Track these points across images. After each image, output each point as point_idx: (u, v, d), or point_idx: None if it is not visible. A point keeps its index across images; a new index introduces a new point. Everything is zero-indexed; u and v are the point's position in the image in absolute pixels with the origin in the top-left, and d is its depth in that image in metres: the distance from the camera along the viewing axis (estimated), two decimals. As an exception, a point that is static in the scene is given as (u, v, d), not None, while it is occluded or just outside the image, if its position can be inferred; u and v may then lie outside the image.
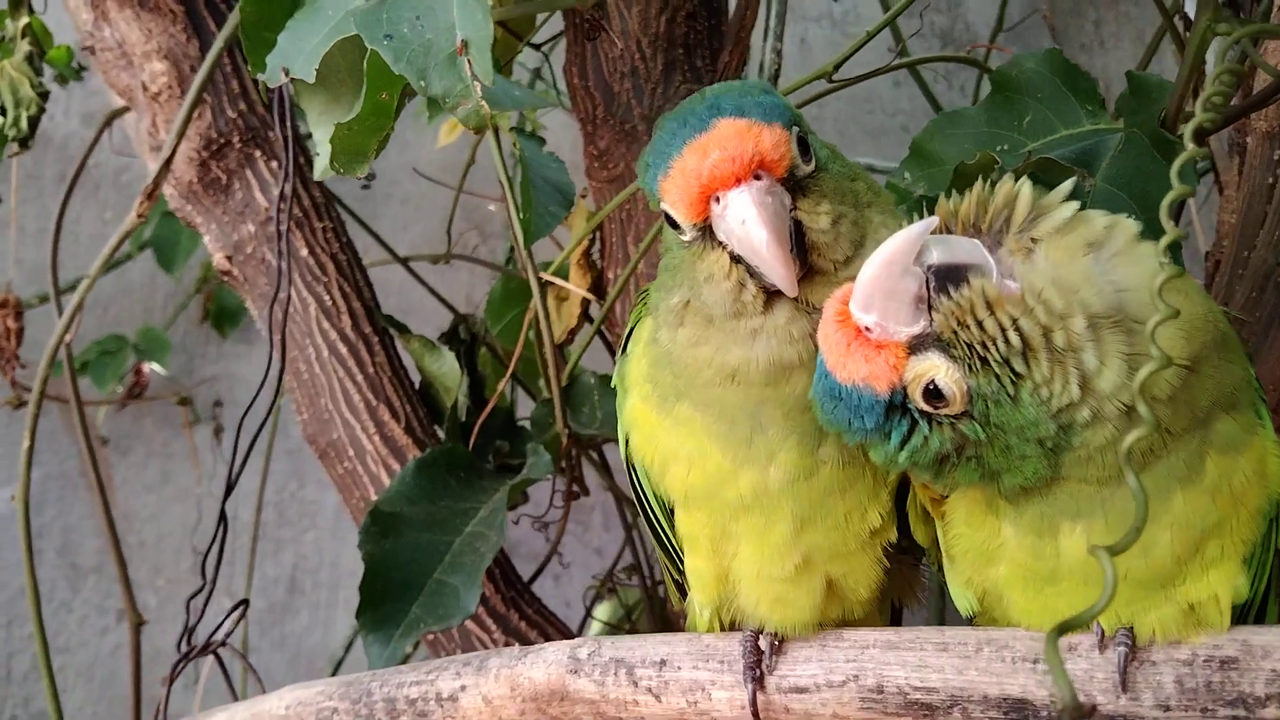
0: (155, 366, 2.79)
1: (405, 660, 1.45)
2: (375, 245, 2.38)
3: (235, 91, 1.67)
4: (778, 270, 0.85)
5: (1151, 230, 1.11)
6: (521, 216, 1.45)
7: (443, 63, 0.77)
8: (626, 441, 1.05)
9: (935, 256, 0.77)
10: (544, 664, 1.00)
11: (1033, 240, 0.79)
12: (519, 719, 1.00)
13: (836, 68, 1.43)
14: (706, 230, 0.88)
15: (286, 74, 1.02)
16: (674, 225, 0.90)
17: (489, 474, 1.63)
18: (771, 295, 0.89)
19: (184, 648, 1.32)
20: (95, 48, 1.68)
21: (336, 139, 0.95)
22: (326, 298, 1.68)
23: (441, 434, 1.76)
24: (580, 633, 1.79)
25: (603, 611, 2.09)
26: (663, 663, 0.97)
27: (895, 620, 1.13)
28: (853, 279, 0.80)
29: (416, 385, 1.80)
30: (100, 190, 2.90)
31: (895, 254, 0.77)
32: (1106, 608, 0.68)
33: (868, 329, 0.78)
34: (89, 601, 2.73)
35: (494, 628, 1.68)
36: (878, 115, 3.43)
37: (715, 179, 0.84)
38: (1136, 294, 0.77)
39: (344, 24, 0.96)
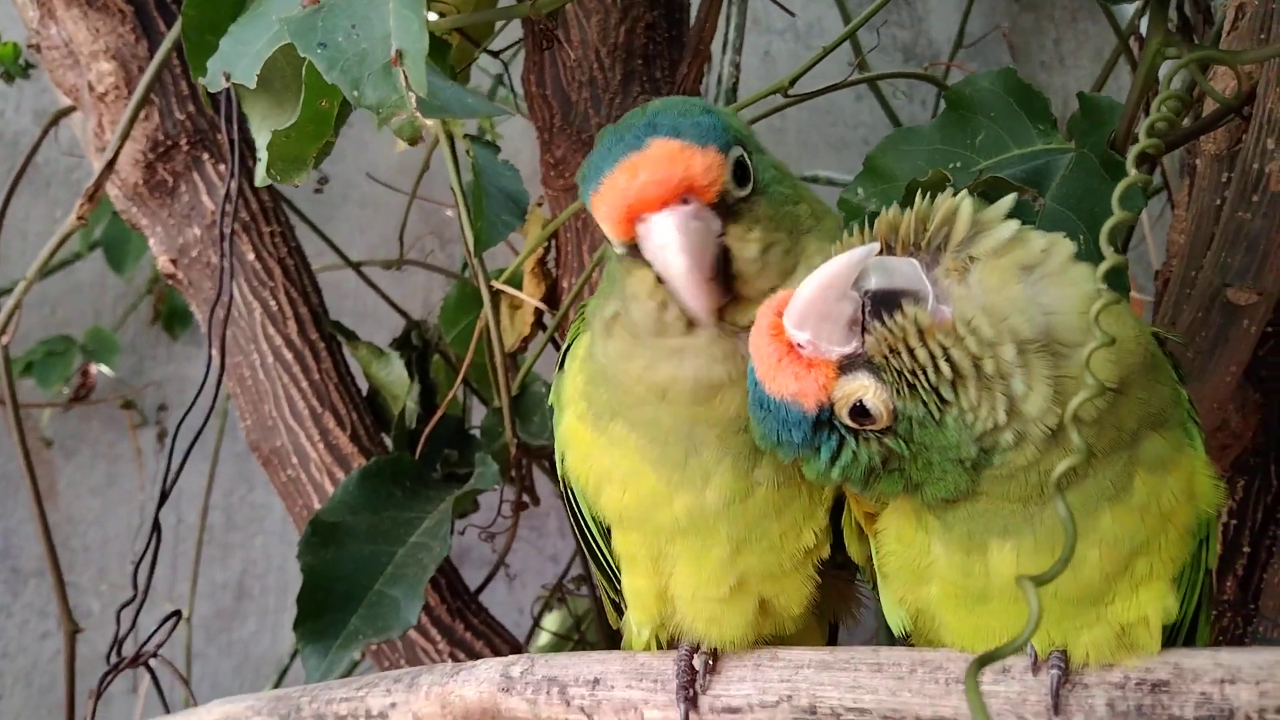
0: (103, 368, 2.74)
1: (350, 671, 1.43)
2: (331, 249, 2.35)
3: (184, 93, 1.64)
4: (692, 299, 0.84)
5: (1098, 250, 1.12)
6: (473, 224, 1.44)
7: (377, 73, 0.75)
8: (562, 460, 1.03)
9: (873, 282, 0.78)
10: (476, 682, 0.99)
11: (970, 259, 0.79)
12: (450, 738, 0.99)
13: (793, 82, 1.44)
14: (634, 247, 0.87)
15: (227, 79, 1.00)
16: (609, 238, 0.90)
17: (436, 483, 1.61)
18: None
19: (115, 658, 1.29)
20: (41, 46, 1.65)
21: (274, 146, 0.93)
22: (272, 303, 1.66)
23: (389, 442, 1.74)
24: (528, 643, 1.77)
25: (551, 621, 2.07)
26: (596, 681, 0.96)
27: (832, 637, 1.13)
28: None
29: (364, 393, 1.78)
30: (51, 188, 2.86)
31: (834, 278, 0.77)
32: (1035, 632, 0.67)
33: (800, 345, 0.77)
34: (30, 606, 2.68)
35: (439, 638, 1.66)
36: (840, 128, 3.45)
37: (641, 200, 0.83)
38: (1065, 317, 0.77)
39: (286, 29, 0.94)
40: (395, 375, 1.72)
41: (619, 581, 1.04)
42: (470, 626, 1.69)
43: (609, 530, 1.02)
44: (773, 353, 0.79)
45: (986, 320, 0.76)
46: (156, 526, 1.32)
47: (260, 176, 1.01)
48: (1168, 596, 0.84)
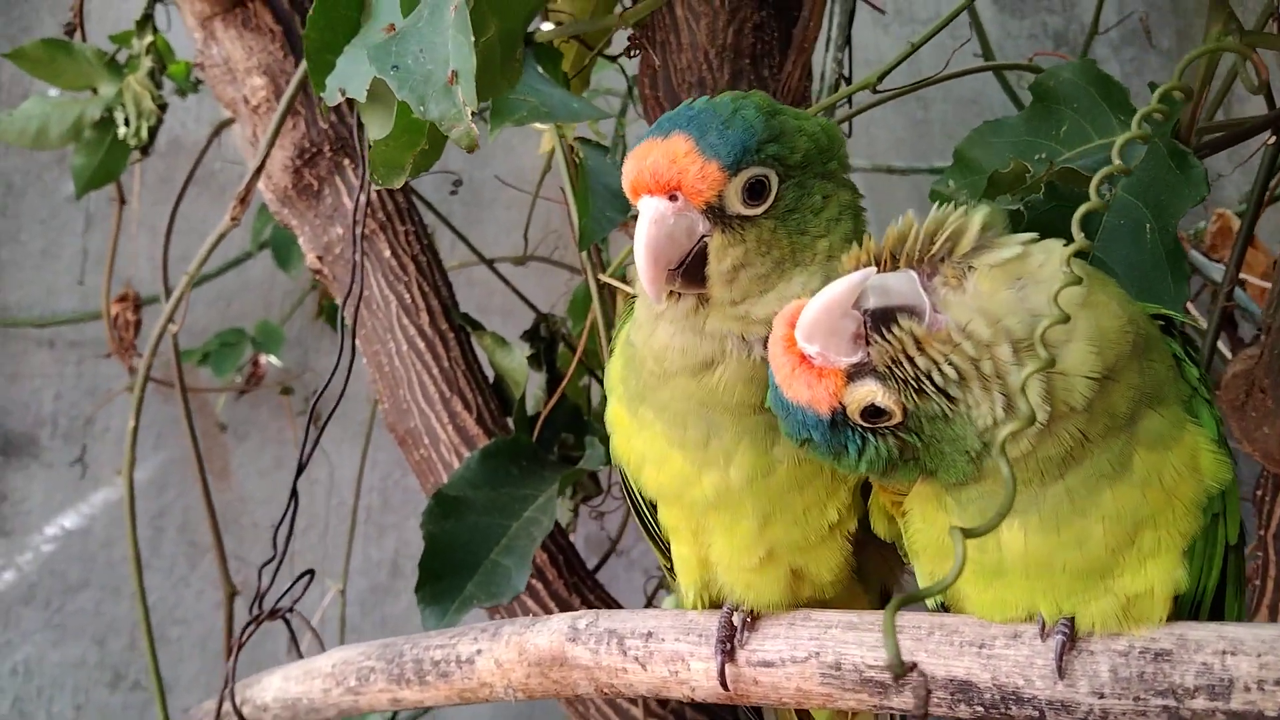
0: (271, 358, 2.97)
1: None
2: (467, 246, 2.49)
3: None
4: (644, 280, 0.92)
5: (1162, 241, 1.14)
6: (579, 220, 1.53)
7: (439, 90, 0.85)
8: (610, 441, 1.11)
9: (872, 302, 0.84)
10: (548, 632, 1.09)
11: (969, 268, 0.84)
12: (525, 681, 1.09)
13: (881, 78, 1.47)
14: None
15: (343, 94, 1.12)
16: None
17: (550, 464, 1.72)
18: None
19: (256, 611, 1.44)
20: (205, 64, 1.84)
21: (375, 154, 1.04)
22: (407, 295, 1.80)
23: (512, 425, 1.86)
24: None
25: (669, 603, 2.16)
26: (649, 634, 1.04)
27: (884, 601, 1.17)
28: (743, 317, 0.92)
29: (490, 379, 1.91)
30: (225, 192, 3.10)
31: (834, 301, 0.84)
32: (956, 580, 0.74)
33: (811, 356, 0.85)
34: (205, 577, 2.92)
35: (556, 611, 1.77)
36: (985, 116, 3.38)
37: (640, 181, 0.92)
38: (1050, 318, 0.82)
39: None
40: (517, 363, 1.84)
41: (669, 550, 1.12)
42: (586, 602, 1.79)
43: (654, 505, 1.09)
44: (787, 362, 0.86)
45: (983, 322, 0.82)
46: (294, 495, 1.46)
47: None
48: (1176, 569, 0.87)
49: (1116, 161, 0.83)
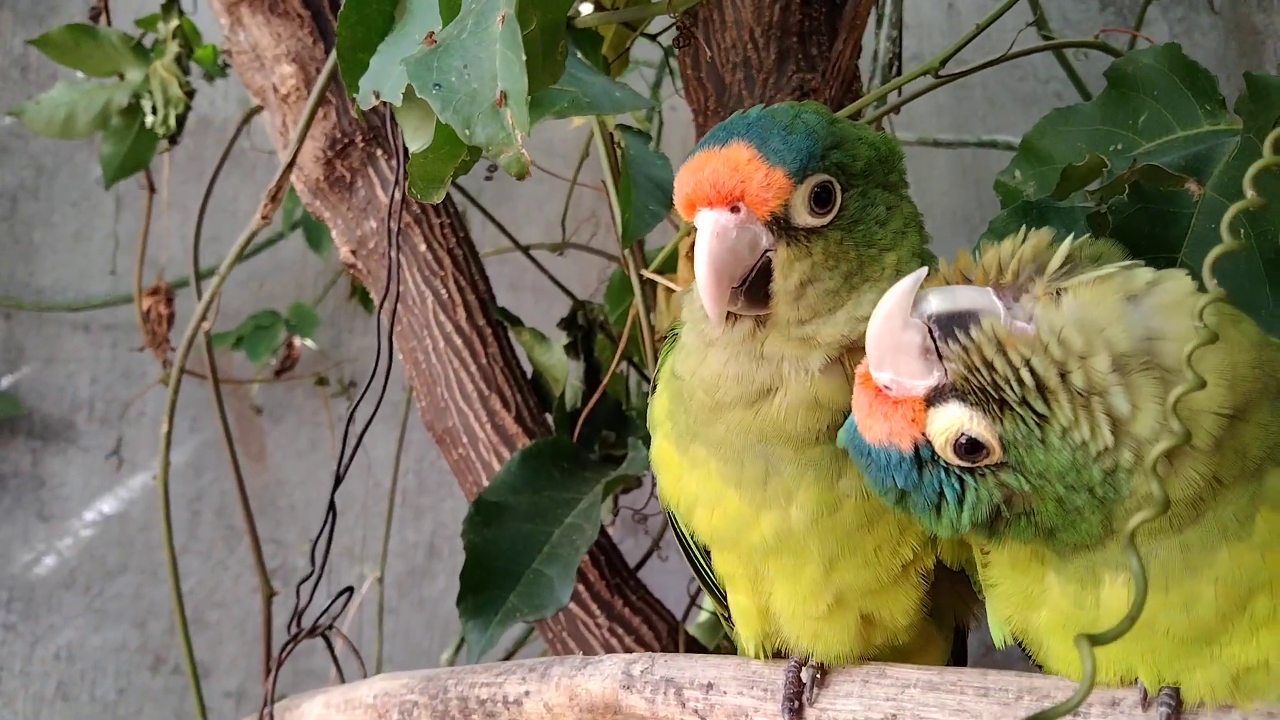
0: (306, 341, 2.93)
1: (523, 641, 1.49)
2: (502, 232, 2.43)
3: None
4: (706, 298, 0.86)
5: (1258, 243, 1.05)
6: (622, 213, 1.47)
7: (486, 112, 0.79)
8: (658, 482, 1.05)
9: (934, 306, 0.77)
10: (600, 677, 1.03)
11: (1060, 290, 0.76)
12: (576, 728, 1.04)
13: (943, 63, 1.39)
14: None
15: (377, 96, 1.06)
16: None
17: (592, 465, 1.67)
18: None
19: (295, 628, 1.41)
20: (232, 51, 1.78)
21: (414, 167, 0.98)
22: (443, 291, 1.75)
23: (552, 422, 1.80)
24: (684, 619, 1.81)
25: (710, 601, 2.11)
26: (710, 686, 0.99)
27: (960, 639, 1.11)
28: (807, 338, 0.84)
29: (529, 375, 1.85)
30: (256, 170, 3.06)
31: (891, 309, 0.76)
32: (1086, 697, 0.63)
33: (886, 387, 0.77)
34: (243, 561, 2.91)
35: (598, 613, 1.72)
36: (1030, 83, 3.30)
37: (698, 193, 0.86)
38: (1173, 344, 0.74)
39: (427, 51, 0.99)
40: (556, 359, 1.78)
41: (726, 598, 1.06)
42: (629, 603, 1.75)
43: (708, 551, 1.03)
44: (864, 400, 0.79)
45: (1077, 330, 0.74)
46: (332, 507, 1.42)
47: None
48: None
49: (1250, 194, 0.74)
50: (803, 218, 0.87)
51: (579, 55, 1.46)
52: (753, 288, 0.89)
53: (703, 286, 0.87)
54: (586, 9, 1.62)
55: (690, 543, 1.06)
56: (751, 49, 1.72)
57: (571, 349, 2.00)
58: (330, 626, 1.43)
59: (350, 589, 1.46)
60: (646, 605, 1.76)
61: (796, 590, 0.96)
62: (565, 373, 1.76)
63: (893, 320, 0.76)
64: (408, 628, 2.93)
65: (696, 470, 0.97)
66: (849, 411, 0.83)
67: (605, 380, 1.75)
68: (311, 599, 1.42)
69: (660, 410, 1.02)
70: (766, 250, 0.87)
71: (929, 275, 0.82)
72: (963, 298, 0.77)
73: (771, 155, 0.85)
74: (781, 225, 0.87)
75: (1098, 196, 1.15)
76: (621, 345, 1.69)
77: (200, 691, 1.79)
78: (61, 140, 2.85)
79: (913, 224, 0.94)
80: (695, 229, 0.88)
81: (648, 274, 1.51)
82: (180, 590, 1.67)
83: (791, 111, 0.89)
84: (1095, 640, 0.60)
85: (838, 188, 0.88)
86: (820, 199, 0.87)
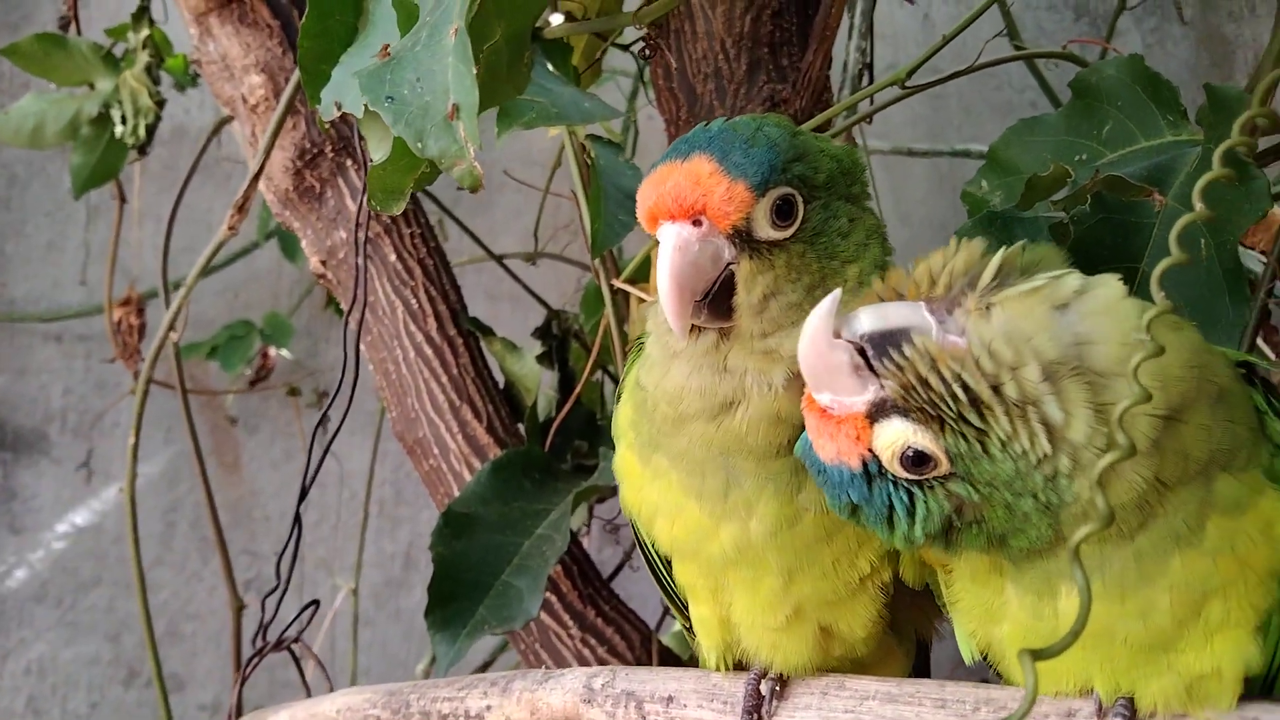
0: (282, 351, 2.92)
1: (498, 653, 1.47)
2: (474, 241, 2.43)
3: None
4: (668, 312, 0.86)
5: (1219, 257, 1.06)
6: (591, 224, 1.47)
7: (439, 125, 0.79)
8: (620, 492, 1.05)
9: (865, 326, 0.77)
10: (562, 691, 1.03)
11: (990, 304, 0.77)
12: (538, 742, 1.04)
13: (910, 74, 1.40)
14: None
15: (339, 108, 1.05)
16: None
17: (564, 475, 1.66)
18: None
19: (260, 642, 1.40)
20: (202, 61, 1.77)
21: (373, 178, 0.98)
22: (414, 301, 1.74)
23: (524, 432, 1.80)
24: (658, 629, 1.81)
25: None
26: (670, 699, 0.98)
27: (923, 652, 1.12)
28: (770, 351, 0.85)
29: (501, 386, 1.85)
30: (231, 182, 3.04)
31: (814, 332, 0.77)
32: (1029, 710, 0.64)
33: (828, 407, 0.77)
34: (218, 573, 2.87)
35: (570, 624, 1.72)
36: (1005, 91, 3.31)
37: (660, 206, 0.87)
38: (1103, 347, 0.75)
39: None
40: (528, 369, 1.78)
41: (687, 609, 1.06)
42: (601, 613, 1.74)
43: (669, 561, 1.03)
44: (812, 421, 0.79)
45: (1005, 342, 0.75)
46: (298, 520, 1.41)
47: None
48: (1248, 646, 0.79)
49: (1199, 207, 0.75)
50: (765, 231, 0.87)
51: (548, 66, 1.45)
52: (716, 300, 0.89)
53: (665, 300, 0.86)
54: (557, 19, 1.62)
55: (652, 552, 1.06)
56: (723, 59, 1.72)
57: (546, 358, 1.99)
58: (296, 639, 1.42)
59: (316, 602, 1.45)
60: (619, 615, 1.76)
61: (756, 601, 0.96)
62: (537, 383, 1.76)
63: (818, 343, 0.77)
64: (384, 639, 2.92)
65: (658, 481, 0.97)
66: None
67: (577, 390, 1.75)
68: (277, 612, 1.41)
69: (624, 420, 1.02)
70: (729, 263, 0.87)
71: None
72: (893, 315, 0.78)
73: (733, 169, 0.85)
74: (744, 238, 0.87)
75: (1061, 206, 1.16)
76: (594, 355, 1.69)
77: (168, 705, 1.78)
78: (33, 151, 2.84)
79: (875, 236, 0.94)
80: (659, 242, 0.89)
81: (618, 284, 1.51)
82: (148, 602, 1.65)
83: (753, 124, 0.89)
84: (1038, 655, 0.60)
85: (800, 200, 0.88)
86: (782, 212, 0.88)
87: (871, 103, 1.59)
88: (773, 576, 0.94)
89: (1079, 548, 0.64)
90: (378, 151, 1.11)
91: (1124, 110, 1.23)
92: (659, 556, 1.05)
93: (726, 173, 0.85)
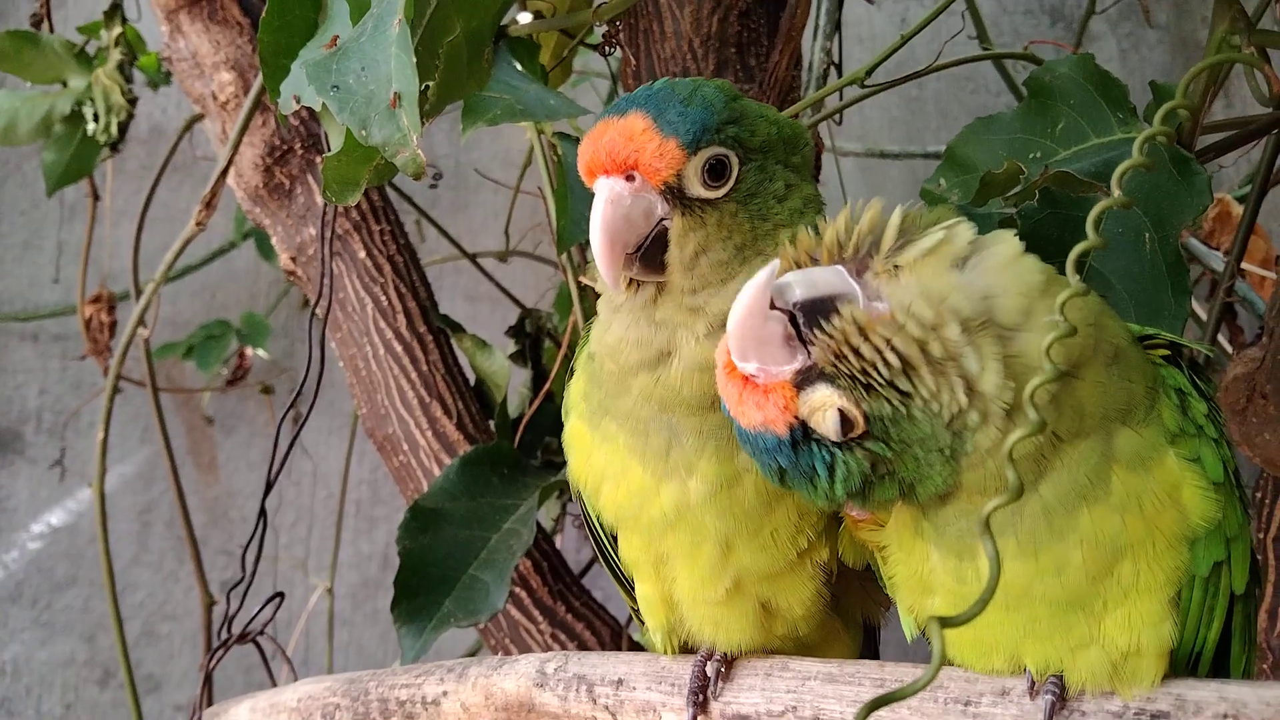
0: (259, 351, 2.92)
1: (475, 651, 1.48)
2: (447, 239, 2.43)
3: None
4: (600, 263, 0.88)
5: (1163, 251, 1.08)
6: (558, 221, 1.48)
7: (382, 113, 0.80)
8: (570, 466, 1.07)
9: (798, 294, 0.79)
10: (515, 675, 1.04)
11: (896, 266, 0.80)
12: (492, 727, 1.04)
13: (869, 73, 1.41)
14: None
15: (298, 101, 1.06)
16: None
17: (533, 471, 1.67)
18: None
19: (224, 635, 1.40)
20: (172, 58, 1.78)
21: (327, 170, 0.99)
22: (383, 298, 1.75)
23: (494, 428, 1.81)
24: (629, 625, 1.82)
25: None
26: (620, 682, 1.00)
27: (872, 638, 1.13)
28: (697, 308, 0.88)
29: (472, 383, 1.85)
30: (208, 180, 3.04)
31: (751, 304, 0.78)
32: (937, 673, 0.66)
33: (753, 375, 0.79)
34: (194, 573, 2.88)
35: (540, 619, 1.73)
36: (982, 95, 3.34)
37: (596, 160, 0.89)
38: (1005, 300, 0.78)
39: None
40: (498, 365, 1.78)
41: (634, 591, 1.07)
42: (572, 609, 1.75)
43: (616, 538, 1.04)
44: (734, 389, 0.81)
45: (925, 303, 0.77)
46: (263, 513, 1.42)
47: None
48: (1164, 620, 0.82)
49: (1117, 193, 0.77)
50: (696, 189, 0.89)
51: (515, 64, 1.46)
52: (648, 255, 0.91)
53: (597, 251, 0.88)
54: (525, 18, 1.63)
55: (598, 528, 1.07)
56: (690, 59, 1.74)
57: (519, 356, 2.00)
58: (261, 632, 1.42)
59: (281, 594, 1.46)
60: (589, 611, 1.77)
61: (695, 573, 0.97)
62: (507, 379, 1.77)
63: (754, 314, 0.78)
64: (361, 640, 2.92)
65: (605, 445, 0.99)
66: None
67: (547, 386, 1.76)
68: (242, 604, 1.41)
69: (576, 393, 1.04)
70: (662, 219, 0.90)
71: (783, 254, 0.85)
72: (821, 282, 0.79)
73: (666, 126, 0.87)
74: (676, 195, 0.89)
75: (1013, 202, 1.18)
76: (563, 351, 1.70)
77: (139, 704, 1.78)
78: (9, 148, 2.83)
79: (812, 205, 0.96)
80: None
81: (586, 280, 1.52)
82: (118, 602, 1.65)
83: (692, 85, 0.91)
84: (947, 623, 0.62)
85: (734, 161, 0.90)
86: (715, 171, 0.90)
87: (841, 97, 1.60)
88: (711, 544, 0.96)
89: (989, 519, 0.66)
90: (337, 143, 1.13)
91: (1076, 109, 1.24)
92: (605, 533, 1.06)
93: (660, 130, 0.87)
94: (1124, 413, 0.82)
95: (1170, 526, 0.82)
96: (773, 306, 0.79)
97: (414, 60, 0.78)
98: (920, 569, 0.88)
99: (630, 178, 0.88)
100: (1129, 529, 0.81)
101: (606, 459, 0.99)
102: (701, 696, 0.96)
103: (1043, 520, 0.80)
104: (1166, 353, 0.88)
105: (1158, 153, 1.11)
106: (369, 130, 0.81)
